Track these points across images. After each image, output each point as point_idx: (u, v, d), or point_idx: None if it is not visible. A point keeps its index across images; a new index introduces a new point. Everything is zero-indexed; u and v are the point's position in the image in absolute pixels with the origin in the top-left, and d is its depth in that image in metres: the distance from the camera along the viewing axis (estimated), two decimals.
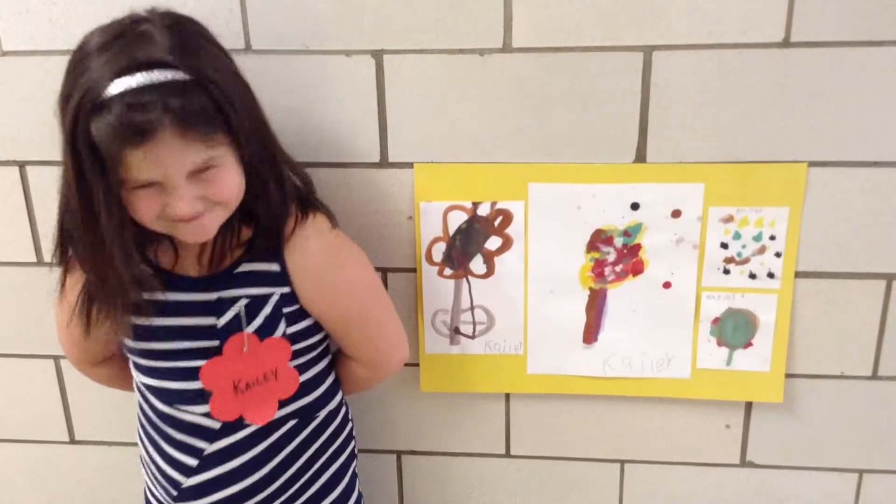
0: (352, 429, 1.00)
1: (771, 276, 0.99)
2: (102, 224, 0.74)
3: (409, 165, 0.99)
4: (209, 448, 0.88)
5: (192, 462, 0.88)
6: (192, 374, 0.85)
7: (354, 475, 1.00)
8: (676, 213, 0.97)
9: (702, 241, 0.98)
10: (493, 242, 1.01)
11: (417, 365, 1.08)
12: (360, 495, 1.01)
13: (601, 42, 0.92)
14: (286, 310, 0.86)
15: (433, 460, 1.15)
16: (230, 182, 0.78)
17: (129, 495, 1.20)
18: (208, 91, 0.73)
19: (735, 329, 1.01)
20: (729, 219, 0.97)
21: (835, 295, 0.99)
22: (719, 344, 1.02)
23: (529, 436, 1.11)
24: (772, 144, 0.94)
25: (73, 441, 1.20)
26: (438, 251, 1.02)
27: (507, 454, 1.13)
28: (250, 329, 0.84)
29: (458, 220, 1.00)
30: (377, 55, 0.95)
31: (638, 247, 0.99)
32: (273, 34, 0.95)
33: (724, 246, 0.98)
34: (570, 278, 1.01)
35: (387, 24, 0.94)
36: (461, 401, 1.10)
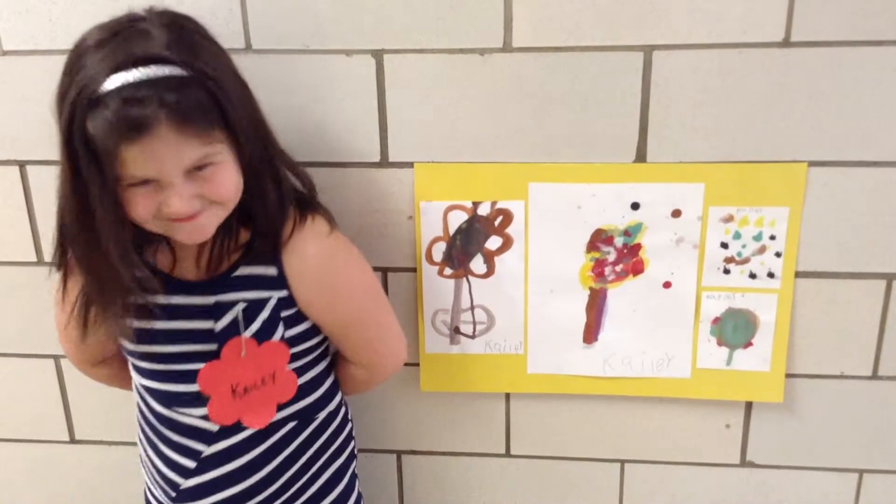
0: (351, 429, 1.00)
1: (771, 275, 0.99)
2: (98, 222, 0.73)
3: (410, 165, 0.99)
4: (207, 450, 0.88)
5: (190, 464, 0.88)
6: (190, 376, 0.85)
7: (354, 475, 1.00)
8: (676, 213, 0.98)
9: (702, 240, 0.98)
10: (493, 242, 1.01)
11: (417, 365, 1.08)
12: (359, 495, 1.01)
13: (601, 42, 0.92)
14: (284, 313, 0.86)
15: (433, 460, 1.15)
16: (228, 180, 0.77)
17: (130, 495, 1.20)
18: (206, 87, 0.73)
19: (735, 329, 1.01)
20: (729, 218, 0.97)
21: (835, 295, 0.99)
22: (719, 344, 1.02)
23: (529, 435, 1.11)
24: (772, 144, 0.94)
25: (73, 441, 1.20)
26: (438, 251, 1.02)
27: (508, 454, 1.13)
28: (248, 333, 0.84)
29: (458, 219, 1.00)
30: (377, 55, 0.95)
31: (638, 246, 1.00)
32: (273, 34, 0.95)
33: (725, 246, 0.98)
34: (571, 278, 1.01)
35: (387, 23, 0.94)
36: (461, 400, 1.10)
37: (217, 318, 0.83)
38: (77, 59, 0.73)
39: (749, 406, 1.06)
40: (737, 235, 0.98)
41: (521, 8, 0.92)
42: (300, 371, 0.89)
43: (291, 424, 0.90)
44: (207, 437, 0.87)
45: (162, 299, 0.83)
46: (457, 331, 1.06)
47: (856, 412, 1.05)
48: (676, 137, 0.95)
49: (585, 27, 0.92)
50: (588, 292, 1.02)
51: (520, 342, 1.05)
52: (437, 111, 0.96)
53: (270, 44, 0.96)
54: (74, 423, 1.19)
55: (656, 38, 0.91)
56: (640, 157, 0.96)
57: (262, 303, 0.84)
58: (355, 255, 0.91)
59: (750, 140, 0.94)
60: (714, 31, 0.90)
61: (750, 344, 1.02)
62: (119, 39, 0.72)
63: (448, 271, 1.03)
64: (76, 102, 0.70)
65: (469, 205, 1.00)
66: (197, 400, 0.85)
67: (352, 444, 1.00)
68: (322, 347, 0.93)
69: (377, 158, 0.99)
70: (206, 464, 0.88)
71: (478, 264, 1.02)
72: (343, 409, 0.97)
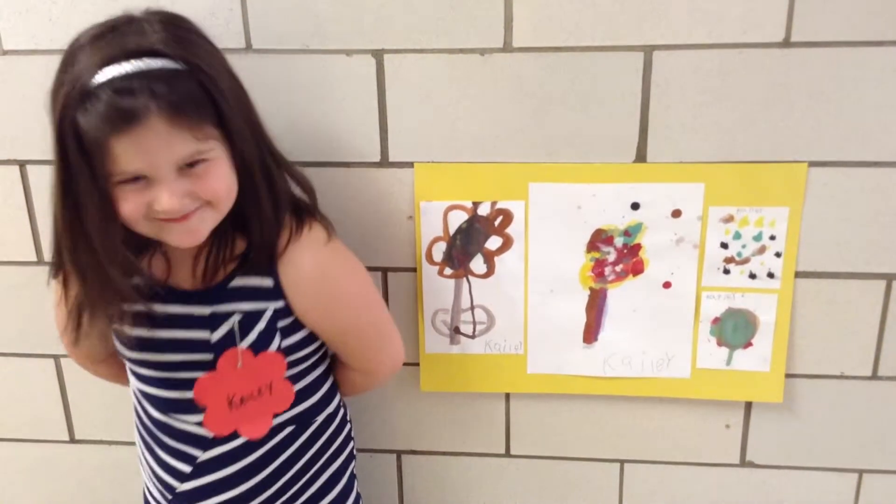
0: (350, 430, 0.99)
1: (771, 275, 0.99)
2: (88, 221, 0.73)
3: (410, 165, 0.99)
4: (203, 456, 0.87)
5: (186, 468, 0.88)
6: (186, 384, 0.84)
7: (353, 476, 1.00)
8: (677, 213, 0.98)
9: (702, 240, 0.98)
10: (493, 242, 1.01)
11: (417, 364, 1.08)
12: (358, 496, 1.01)
13: (601, 42, 0.92)
14: (281, 324, 0.85)
15: (433, 460, 1.15)
16: (221, 179, 0.76)
17: (130, 494, 1.20)
18: (199, 81, 0.72)
19: (735, 329, 1.01)
20: (729, 219, 0.97)
21: (835, 295, 0.99)
22: (719, 344, 1.02)
23: (529, 435, 1.11)
24: (772, 144, 0.94)
25: (73, 440, 1.20)
26: (439, 251, 1.02)
27: (507, 454, 1.13)
28: (244, 345, 0.83)
29: (458, 219, 1.00)
30: (377, 55, 0.95)
31: (638, 247, 1.00)
32: (273, 34, 0.95)
33: (724, 246, 0.98)
34: (571, 278, 1.01)
35: (387, 23, 0.94)
36: (461, 400, 1.10)
37: (213, 329, 0.83)
38: (70, 56, 0.73)
39: (749, 406, 1.06)
40: (737, 235, 0.98)
41: (521, 8, 0.92)
42: (298, 377, 0.89)
43: (289, 429, 0.89)
44: (203, 443, 0.87)
45: (158, 308, 0.82)
46: (457, 331, 1.06)
47: (856, 412, 1.05)
48: (676, 137, 0.95)
49: (585, 27, 0.92)
50: (588, 292, 1.02)
51: (520, 342, 1.05)
52: (438, 111, 0.96)
53: (270, 44, 0.96)
54: (74, 422, 1.19)
55: (656, 38, 0.91)
56: (641, 157, 0.96)
57: (258, 314, 0.83)
58: (352, 263, 0.90)
59: (750, 140, 0.94)
60: (714, 32, 0.90)
61: (750, 344, 1.02)
62: (113, 35, 0.72)
63: (448, 271, 1.03)
64: (68, 97, 0.70)
65: (469, 205, 1.00)
66: (193, 407, 0.85)
67: (350, 444, 0.99)
68: (320, 353, 0.92)
69: (377, 158, 0.99)
70: (201, 469, 0.87)
71: (478, 264, 1.02)
72: (342, 411, 0.97)
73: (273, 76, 0.97)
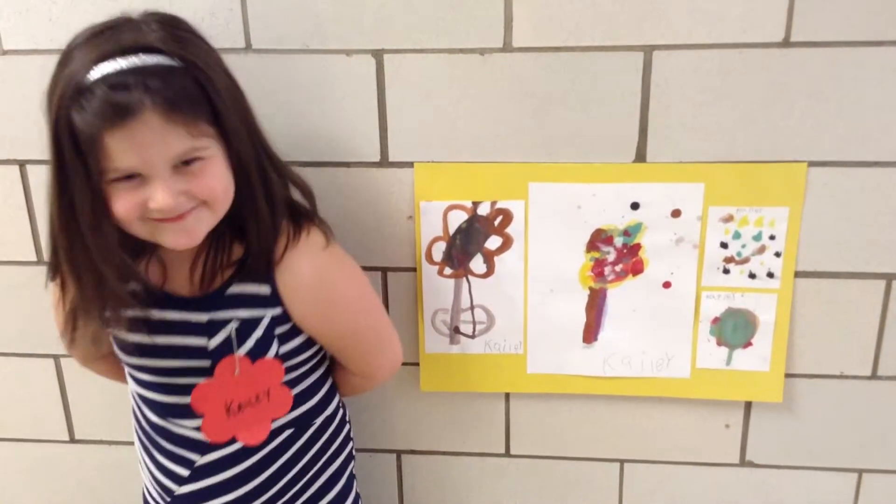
0: (349, 430, 0.99)
1: (771, 275, 0.99)
2: (82, 221, 0.72)
3: (410, 165, 0.99)
4: (200, 460, 0.87)
5: (184, 472, 0.88)
6: (183, 390, 0.84)
7: (352, 476, 1.00)
8: (676, 213, 0.98)
9: (702, 240, 0.98)
10: (493, 242, 1.01)
11: (417, 364, 1.08)
12: (357, 496, 1.01)
13: (601, 42, 0.92)
14: (278, 330, 0.84)
15: (433, 460, 1.15)
16: (216, 178, 0.75)
17: (130, 494, 1.20)
18: (195, 77, 0.72)
19: (735, 329, 1.01)
20: (729, 218, 0.97)
21: (834, 295, 0.99)
22: (719, 344, 1.02)
23: (529, 435, 1.11)
24: (772, 144, 0.94)
25: (73, 440, 1.20)
26: (438, 250, 1.02)
27: (507, 453, 1.13)
28: (241, 352, 0.82)
29: (458, 219, 1.00)
30: (377, 55, 0.95)
31: (638, 246, 1.00)
32: (273, 34, 0.95)
33: (724, 245, 0.98)
34: (570, 278, 1.01)
35: (387, 23, 0.94)
36: (461, 400, 1.10)
37: (210, 336, 0.82)
38: (66, 56, 0.73)
39: (748, 406, 1.06)
40: (736, 235, 0.98)
41: (521, 8, 0.92)
42: (296, 381, 0.88)
43: (288, 432, 0.89)
44: (201, 447, 0.86)
45: (154, 314, 0.82)
46: (457, 330, 1.06)
47: (855, 412, 1.05)
48: (676, 137, 0.95)
49: (585, 27, 0.92)
50: (588, 292, 1.02)
51: (519, 342, 1.05)
52: (437, 111, 0.97)
53: (270, 44, 0.96)
54: (74, 422, 1.19)
55: (656, 38, 0.91)
56: (640, 156, 0.96)
57: (255, 321, 0.82)
58: (350, 268, 0.89)
59: (750, 140, 0.94)
60: (714, 31, 0.90)
61: (749, 344, 1.02)
62: (109, 34, 0.72)
63: (448, 271, 1.03)
64: (62, 95, 0.70)
65: (469, 204, 1.00)
66: (191, 412, 0.84)
67: (349, 445, 0.99)
68: (318, 357, 0.92)
69: (377, 158, 1.00)
70: (199, 472, 0.87)
71: (478, 264, 1.02)
72: (340, 412, 0.97)
73: (273, 76, 0.97)
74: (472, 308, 1.04)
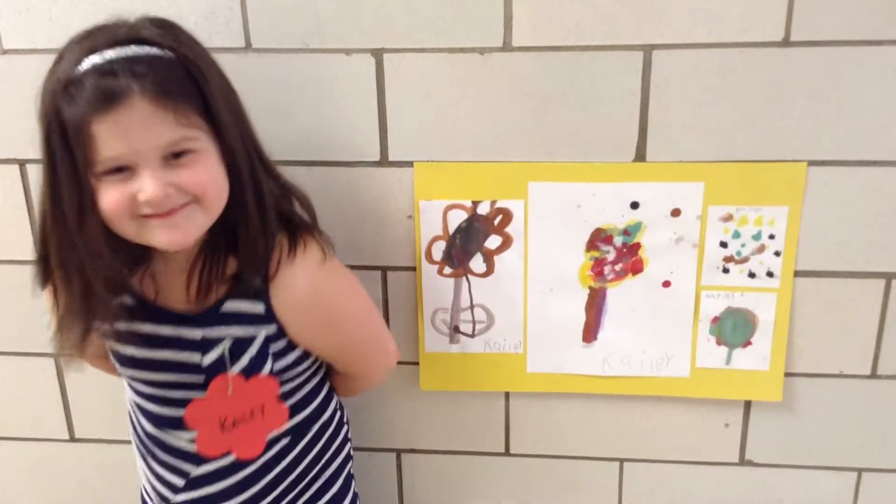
0: (347, 431, 0.98)
1: (770, 275, 0.99)
2: (69, 217, 0.70)
3: (409, 164, 0.99)
4: (195, 471, 0.86)
5: (179, 482, 0.87)
6: (177, 403, 0.83)
7: (349, 477, 0.99)
8: (676, 212, 0.98)
9: (701, 240, 0.98)
10: (492, 241, 1.01)
11: (417, 364, 1.08)
12: (355, 495, 1.00)
13: (601, 41, 0.92)
14: (273, 348, 0.82)
15: (433, 458, 1.15)
16: (208, 172, 0.73)
17: (130, 493, 1.21)
18: (186, 69, 0.71)
19: (734, 328, 1.01)
20: (728, 218, 0.97)
21: (834, 294, 1.00)
22: (718, 343, 1.02)
23: (529, 434, 1.11)
24: (772, 143, 0.94)
25: (73, 439, 1.20)
26: (438, 250, 1.02)
27: (507, 453, 1.13)
28: (235, 370, 0.81)
29: (457, 218, 1.00)
30: (377, 54, 0.95)
31: (637, 246, 1.00)
32: (273, 33, 0.95)
33: (724, 245, 0.98)
34: (570, 277, 1.01)
35: (387, 22, 0.94)
36: (461, 399, 1.10)
37: (204, 353, 0.80)
38: (59, 56, 0.72)
39: (748, 405, 1.07)
40: (736, 234, 0.98)
41: (521, 7, 0.92)
42: (291, 393, 0.87)
43: (284, 441, 0.88)
44: (196, 459, 0.85)
45: (148, 328, 0.81)
46: (456, 330, 1.06)
47: (855, 411, 1.05)
48: (676, 137, 0.95)
49: (585, 26, 0.92)
50: (587, 291, 1.02)
51: (519, 341, 1.05)
52: (437, 110, 0.97)
53: (270, 43, 0.96)
54: (74, 421, 1.19)
55: (656, 37, 0.91)
56: (640, 156, 0.96)
57: (249, 340, 0.81)
58: (348, 282, 0.88)
59: (749, 139, 0.94)
60: (714, 31, 0.90)
61: (749, 343, 1.02)
62: (100, 32, 0.72)
63: (448, 270, 1.03)
64: (53, 91, 0.69)
65: (469, 204, 1.00)
66: (185, 425, 0.83)
67: (347, 446, 0.98)
68: (314, 367, 0.91)
69: (377, 157, 1.00)
70: (194, 483, 0.86)
71: (477, 263, 1.02)
72: (338, 415, 0.96)
73: (273, 75, 0.97)
74: (471, 307, 1.04)
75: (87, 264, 0.73)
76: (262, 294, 0.80)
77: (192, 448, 0.85)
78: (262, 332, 0.81)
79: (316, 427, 0.91)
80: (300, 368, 0.87)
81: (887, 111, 0.92)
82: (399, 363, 1.07)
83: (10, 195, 1.06)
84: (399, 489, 1.18)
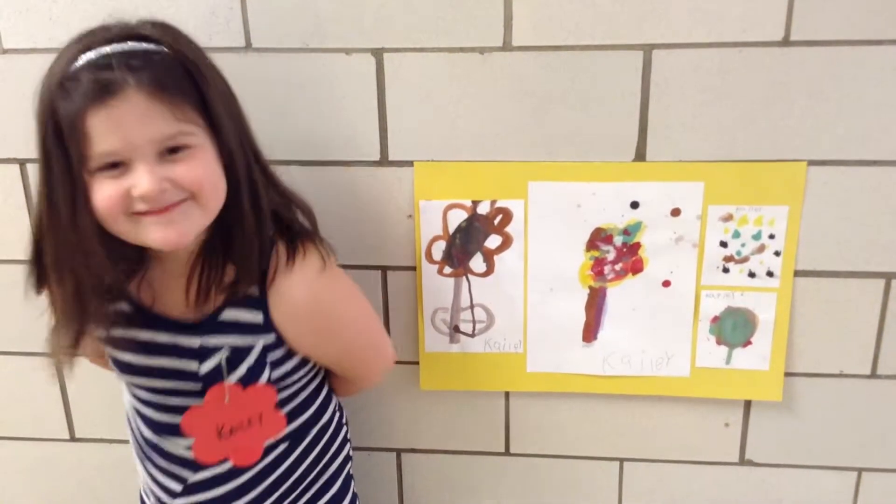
0: (346, 433, 0.98)
1: (770, 274, 0.99)
2: (61, 215, 0.70)
3: (409, 164, 0.99)
4: (192, 477, 0.86)
5: (177, 487, 0.87)
6: (174, 410, 0.82)
7: (349, 477, 0.99)
8: (676, 212, 0.98)
9: (701, 239, 0.98)
10: (492, 241, 1.01)
11: (417, 363, 1.08)
12: (354, 496, 1.00)
13: (601, 41, 0.92)
14: (271, 357, 0.82)
15: (433, 458, 1.15)
16: (204, 168, 0.71)
17: (129, 493, 1.21)
18: (183, 65, 0.71)
19: (734, 328, 1.01)
20: (728, 217, 0.97)
21: (834, 294, 1.00)
22: (718, 342, 1.02)
23: (529, 434, 1.12)
24: (772, 143, 0.94)
25: (73, 439, 1.20)
26: (438, 249, 1.02)
27: (507, 452, 1.13)
28: (232, 379, 0.80)
29: (457, 218, 1.00)
30: (377, 53, 0.95)
31: (637, 245, 1.00)
32: (273, 32, 0.95)
33: (724, 244, 0.98)
34: (570, 277, 1.01)
35: (387, 22, 0.94)
36: (461, 399, 1.10)
37: (201, 361, 0.80)
38: (58, 56, 0.72)
39: (748, 405, 1.07)
40: (736, 234, 0.98)
41: (520, 7, 0.92)
42: (289, 399, 0.87)
43: (282, 447, 0.87)
44: (193, 466, 0.85)
45: (145, 335, 0.81)
46: (456, 329, 1.06)
47: (855, 411, 1.05)
48: (676, 136, 0.95)
49: (585, 26, 0.92)
50: (587, 291, 1.02)
51: (519, 341, 1.05)
52: (437, 110, 0.97)
53: (270, 42, 0.96)
54: (74, 421, 1.19)
55: (656, 37, 0.91)
56: (640, 155, 0.96)
57: (247, 349, 0.80)
58: (347, 289, 0.87)
59: (749, 139, 0.94)
60: (714, 30, 0.90)
61: (749, 343, 1.02)
62: (99, 30, 0.72)
63: (448, 270, 1.03)
64: (49, 86, 0.69)
65: (469, 203, 1.00)
66: (182, 431, 0.82)
67: (346, 448, 0.98)
68: (312, 372, 0.90)
69: (377, 157, 1.00)
70: (191, 489, 0.86)
71: (477, 263, 1.02)
72: (337, 417, 0.95)
73: (273, 75, 0.97)
74: (471, 307, 1.04)
75: (80, 264, 0.72)
76: (261, 303, 0.79)
77: (189, 455, 0.84)
78: (261, 342, 0.81)
79: (314, 431, 0.91)
80: (298, 375, 0.87)
81: (887, 111, 0.92)
82: (399, 363, 1.07)
83: (10, 195, 1.06)
84: (399, 489, 1.18)
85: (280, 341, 0.82)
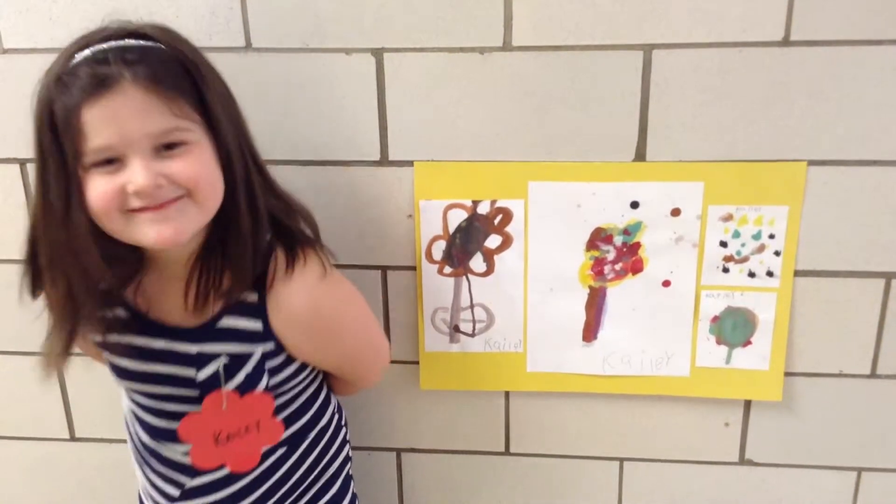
0: (345, 434, 0.98)
1: (770, 274, 0.99)
2: (55, 212, 0.69)
3: (409, 164, 0.99)
4: (190, 483, 0.85)
5: (174, 492, 0.86)
6: (172, 416, 0.82)
7: (348, 478, 0.98)
8: (676, 212, 0.98)
9: (701, 239, 0.98)
10: (492, 240, 1.01)
11: (417, 363, 1.08)
12: (354, 496, 1.00)
13: (601, 41, 0.92)
14: (270, 364, 0.81)
15: (433, 458, 1.15)
16: (200, 164, 0.70)
17: (130, 492, 1.20)
18: (182, 64, 0.70)
19: (734, 327, 1.01)
20: (728, 217, 0.97)
21: (834, 293, 1.00)
22: (718, 342, 1.02)
23: (529, 434, 1.12)
24: (771, 143, 0.94)
25: (73, 438, 1.20)
26: (438, 249, 1.02)
27: (507, 452, 1.13)
28: (230, 386, 0.79)
29: (458, 218, 1.00)
30: (377, 53, 0.95)
31: (637, 245, 1.00)
32: (273, 32, 0.95)
33: (724, 244, 0.98)
34: (570, 276, 1.01)
35: (387, 22, 0.94)
36: (461, 399, 1.11)
37: (199, 368, 0.79)
38: (57, 56, 0.72)
39: (748, 404, 1.07)
40: (736, 234, 0.98)
41: (521, 7, 0.92)
42: (287, 404, 0.86)
43: (280, 452, 0.87)
44: (190, 471, 0.84)
45: (143, 341, 0.80)
46: (456, 329, 1.06)
47: (854, 411, 1.05)
48: (676, 136, 0.95)
49: (585, 26, 0.92)
50: (587, 291, 1.02)
51: (519, 340, 1.05)
52: (437, 110, 0.97)
53: (270, 42, 0.96)
54: (75, 420, 1.19)
55: (656, 37, 0.91)
56: (640, 155, 0.96)
57: (245, 357, 0.79)
58: (347, 295, 0.87)
59: (749, 139, 0.94)
60: (714, 30, 0.91)
61: (749, 342, 1.02)
62: (98, 30, 0.72)
63: (448, 270, 1.03)
64: (47, 84, 0.69)
65: (469, 203, 1.00)
66: (179, 437, 0.82)
67: (346, 449, 0.97)
68: (310, 378, 0.89)
69: (377, 157, 1.00)
70: (189, 494, 0.86)
71: (477, 263, 1.02)
72: (336, 419, 0.95)
73: (273, 75, 0.97)
74: (471, 307, 1.04)
75: (73, 264, 0.71)
76: (260, 311, 0.79)
77: (186, 460, 0.84)
78: (259, 350, 0.80)
79: (312, 435, 0.91)
80: (296, 380, 0.86)
81: (887, 111, 0.92)
82: (399, 362, 1.08)
83: (10, 195, 1.06)
84: (399, 488, 1.18)
85: (279, 349, 0.81)
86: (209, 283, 0.77)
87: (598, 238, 0.99)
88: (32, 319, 1.12)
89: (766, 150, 0.94)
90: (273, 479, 0.87)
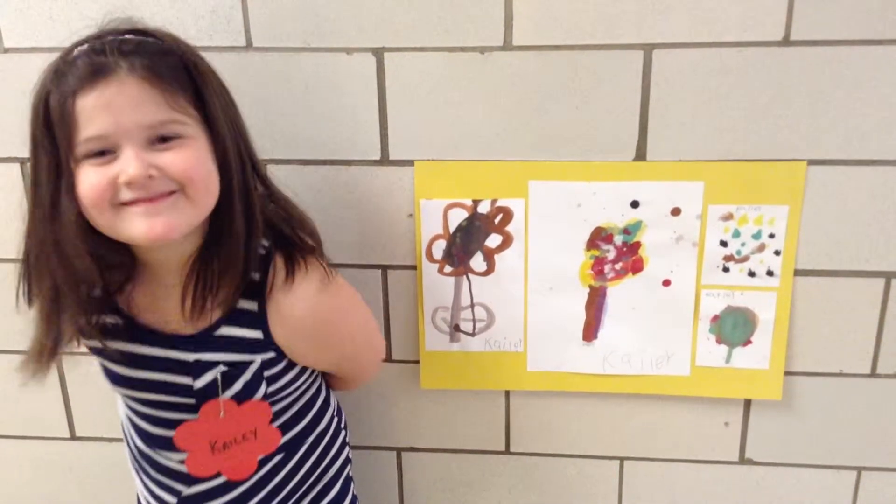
0: (345, 437, 0.97)
1: (770, 274, 0.99)
2: (43, 204, 0.68)
3: (410, 163, 0.99)
4: (187, 490, 0.85)
5: (171, 500, 0.86)
6: (168, 423, 0.81)
7: (348, 479, 0.98)
8: (676, 211, 0.98)
9: (701, 239, 0.98)
10: (493, 240, 1.01)
11: (417, 362, 1.08)
12: (354, 497, 0.99)
13: (601, 40, 0.92)
14: (268, 372, 0.80)
15: (433, 457, 1.15)
16: (195, 159, 0.69)
17: (130, 492, 1.20)
18: (181, 59, 0.70)
19: (734, 327, 1.02)
20: (728, 217, 0.97)
21: (834, 293, 1.00)
22: (718, 342, 1.03)
23: (529, 433, 1.12)
24: (771, 143, 0.94)
25: (73, 437, 1.20)
26: (439, 248, 1.02)
27: (507, 451, 1.13)
28: (228, 395, 0.79)
29: (458, 217, 1.00)
30: (378, 53, 0.95)
31: (638, 244, 1.00)
32: (274, 32, 0.95)
33: (724, 244, 0.98)
34: (570, 276, 1.01)
35: (387, 21, 0.94)
36: (461, 398, 1.11)
37: (196, 376, 0.78)
38: (58, 55, 0.72)
39: (748, 404, 1.07)
40: (736, 234, 0.98)
41: (521, 6, 0.92)
42: (286, 409, 0.86)
43: (277, 458, 0.87)
44: (187, 479, 0.84)
45: (139, 348, 0.79)
46: (457, 328, 1.06)
47: (854, 410, 1.05)
48: (676, 136, 0.95)
49: (585, 25, 0.92)
50: (588, 290, 1.02)
51: (519, 340, 1.05)
52: (438, 109, 0.97)
53: (271, 42, 0.96)
54: (75, 419, 1.19)
55: (656, 36, 0.91)
56: (640, 155, 0.96)
57: (244, 365, 0.79)
58: (349, 301, 0.86)
59: (749, 138, 0.94)
60: (714, 30, 0.91)
61: (749, 342, 1.02)
62: (98, 29, 0.72)
63: (448, 269, 1.03)
64: (44, 79, 0.69)
65: (469, 202, 1.00)
66: (175, 446, 0.82)
67: (345, 451, 0.97)
68: (307, 383, 0.89)
69: (377, 156, 1.00)
70: (186, 502, 0.85)
71: (478, 262, 1.02)
72: (334, 423, 0.95)
73: (273, 74, 0.97)
74: (472, 306, 1.04)
75: (59, 262, 0.70)
76: (260, 320, 0.78)
77: (182, 468, 0.83)
78: (258, 358, 0.79)
79: (310, 440, 0.90)
80: (294, 386, 0.86)
81: (887, 111, 0.92)
82: (399, 361, 1.08)
83: (11, 195, 1.06)
84: (399, 488, 1.18)
85: (279, 357, 0.81)
86: (206, 290, 0.75)
87: (599, 237, 1.00)
88: (33, 318, 1.12)
89: (765, 150, 0.95)
90: (270, 485, 0.87)
